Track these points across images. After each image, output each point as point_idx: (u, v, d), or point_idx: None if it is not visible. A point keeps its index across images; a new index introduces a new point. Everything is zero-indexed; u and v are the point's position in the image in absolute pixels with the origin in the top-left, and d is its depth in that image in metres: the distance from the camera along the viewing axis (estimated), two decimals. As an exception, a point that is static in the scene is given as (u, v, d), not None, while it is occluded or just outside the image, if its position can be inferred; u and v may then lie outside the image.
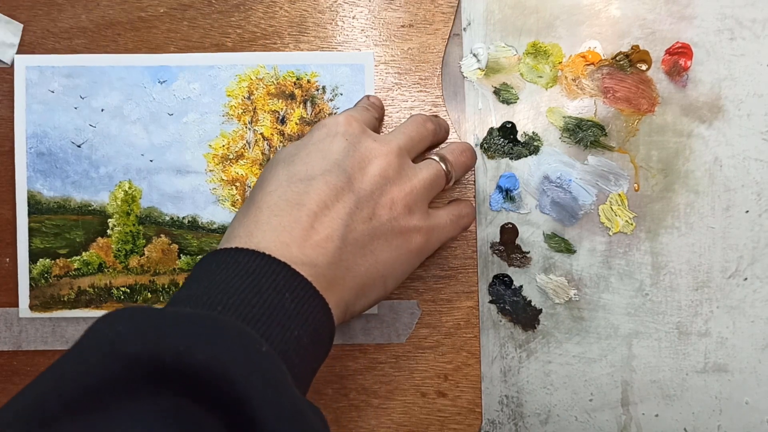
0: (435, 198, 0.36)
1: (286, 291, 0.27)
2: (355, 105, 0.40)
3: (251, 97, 0.43)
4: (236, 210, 0.43)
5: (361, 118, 0.35)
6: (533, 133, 0.44)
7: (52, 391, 0.21)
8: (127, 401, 0.21)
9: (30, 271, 0.42)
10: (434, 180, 0.35)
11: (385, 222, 0.32)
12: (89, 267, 0.42)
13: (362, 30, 0.44)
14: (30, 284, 0.42)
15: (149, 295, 0.42)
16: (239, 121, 0.43)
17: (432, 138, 0.37)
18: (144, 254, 0.42)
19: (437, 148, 0.40)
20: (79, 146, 0.42)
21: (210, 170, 0.42)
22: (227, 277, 0.27)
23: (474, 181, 0.43)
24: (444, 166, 0.35)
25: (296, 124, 0.43)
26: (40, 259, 0.42)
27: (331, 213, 0.30)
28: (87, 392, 0.21)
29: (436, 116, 0.39)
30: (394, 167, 0.33)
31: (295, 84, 0.43)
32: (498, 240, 0.43)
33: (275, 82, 0.43)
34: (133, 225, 0.42)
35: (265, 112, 0.43)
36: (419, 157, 0.37)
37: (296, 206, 0.30)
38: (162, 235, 0.42)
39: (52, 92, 0.42)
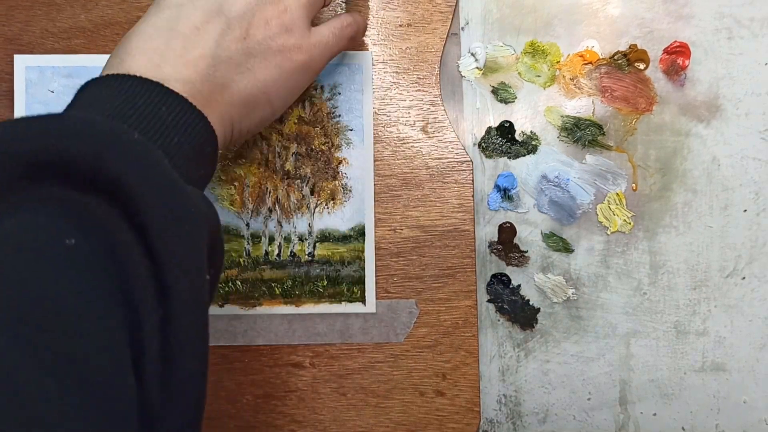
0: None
1: (161, 105, 0.28)
2: None
3: (250, 97, 0.43)
4: (236, 209, 0.43)
5: None
6: (531, 132, 0.44)
7: None
8: (8, 194, 0.22)
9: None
10: None
11: (260, 41, 0.32)
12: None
13: (360, 30, 0.44)
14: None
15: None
16: (238, 120, 0.43)
17: None
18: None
19: None
20: (78, 146, 0.43)
21: (208, 170, 0.43)
22: (99, 98, 0.27)
23: (472, 180, 0.43)
24: None
25: (294, 123, 0.43)
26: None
27: (202, 34, 0.30)
28: None
29: None
30: None
31: (293, 83, 0.43)
32: (496, 239, 0.43)
33: (273, 81, 0.43)
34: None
35: (263, 111, 0.43)
36: None
37: (167, 31, 0.30)
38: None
39: (52, 92, 0.43)
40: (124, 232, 0.23)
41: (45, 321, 0.20)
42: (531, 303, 0.43)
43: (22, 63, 0.42)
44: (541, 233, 0.43)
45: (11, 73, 0.43)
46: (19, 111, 0.42)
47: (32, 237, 0.21)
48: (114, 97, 0.27)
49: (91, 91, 0.28)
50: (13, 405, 0.18)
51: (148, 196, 0.23)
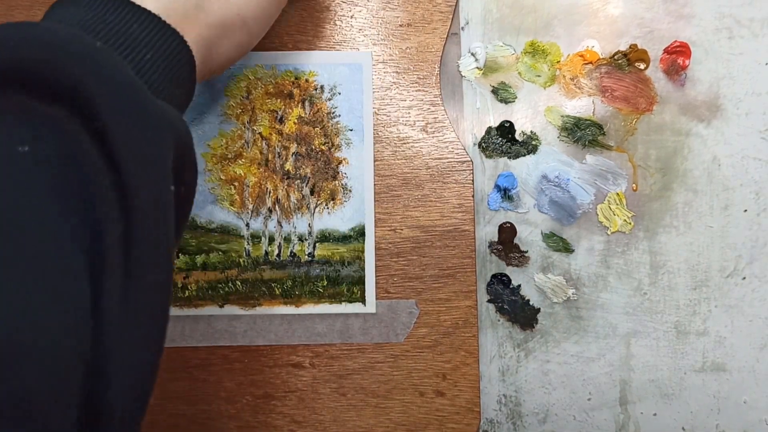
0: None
1: (133, 22, 0.27)
2: None
3: (249, 97, 0.43)
4: (236, 209, 0.43)
5: None
6: (531, 132, 0.44)
7: None
8: None
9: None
10: None
11: None
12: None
13: (360, 29, 0.44)
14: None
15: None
16: (238, 120, 0.43)
17: None
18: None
19: None
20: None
21: (208, 170, 0.43)
22: (67, 14, 0.27)
23: (472, 180, 0.43)
24: None
25: (294, 123, 0.43)
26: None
27: None
28: None
29: None
30: None
31: (293, 83, 0.43)
32: (496, 239, 0.43)
33: (273, 81, 0.43)
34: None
35: (263, 111, 0.43)
36: None
37: None
38: (160, 235, 0.42)
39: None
40: (83, 138, 0.22)
41: None
42: (531, 303, 0.43)
43: (21, 63, 0.42)
44: (542, 233, 0.43)
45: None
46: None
47: None
48: (83, 13, 0.27)
49: (59, 7, 0.28)
50: None
51: (106, 99, 0.22)
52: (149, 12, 0.28)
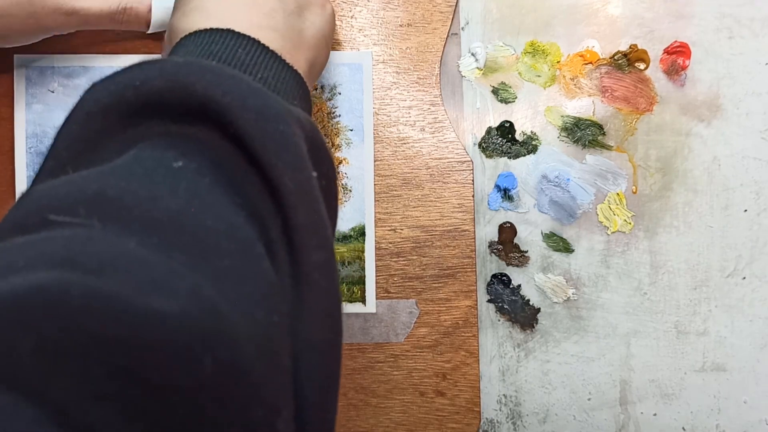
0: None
1: (239, 49, 0.29)
2: None
3: (250, 97, 0.43)
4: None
5: None
6: (531, 132, 0.44)
7: (60, 151, 0.24)
8: (111, 139, 0.24)
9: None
10: None
11: None
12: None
13: (361, 29, 0.44)
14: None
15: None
16: (238, 120, 0.43)
17: None
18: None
19: None
20: (78, 146, 0.43)
21: (209, 170, 0.43)
22: (187, 49, 0.29)
23: (472, 180, 0.43)
24: None
25: (295, 123, 0.43)
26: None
27: None
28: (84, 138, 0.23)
29: None
30: None
31: (293, 83, 0.43)
32: (496, 239, 0.43)
33: (274, 81, 0.43)
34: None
35: (263, 111, 0.43)
36: None
37: None
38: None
39: (52, 92, 0.43)
40: (225, 147, 0.24)
41: (172, 228, 0.21)
42: (531, 303, 0.43)
43: (22, 63, 0.42)
44: (542, 233, 0.43)
45: (11, 73, 0.43)
46: (19, 111, 0.42)
47: (143, 165, 0.22)
48: (199, 47, 0.29)
49: (186, 42, 0.30)
50: (147, 287, 0.18)
51: (233, 106, 0.23)
52: (261, 44, 0.30)
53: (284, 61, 0.30)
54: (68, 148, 0.23)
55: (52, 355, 0.16)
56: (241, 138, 0.23)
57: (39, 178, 0.23)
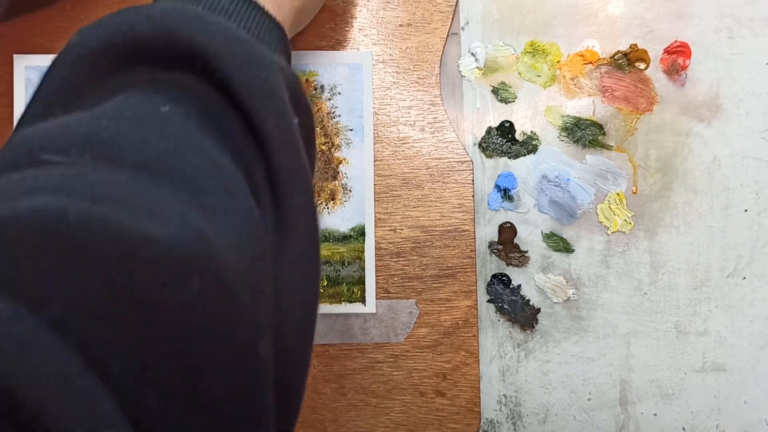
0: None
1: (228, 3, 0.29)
2: None
3: (249, 97, 0.43)
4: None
5: None
6: (531, 132, 0.44)
7: (48, 95, 0.24)
8: (100, 84, 0.24)
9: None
10: None
11: None
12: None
13: (360, 29, 0.44)
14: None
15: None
16: (238, 120, 0.43)
17: None
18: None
19: None
20: (78, 146, 0.43)
21: (208, 170, 0.43)
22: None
23: (472, 180, 0.43)
24: None
25: (294, 123, 0.43)
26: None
27: None
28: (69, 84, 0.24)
29: None
30: None
31: (293, 83, 0.43)
32: (496, 239, 0.43)
33: (273, 81, 0.43)
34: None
35: (263, 111, 0.43)
36: None
37: None
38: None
39: (52, 92, 0.43)
40: (211, 92, 0.24)
41: (162, 166, 0.21)
42: (531, 303, 0.43)
43: (22, 63, 0.42)
44: (542, 233, 0.43)
45: (11, 73, 0.42)
46: (19, 111, 0.42)
47: (132, 109, 0.23)
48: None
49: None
50: (141, 210, 0.19)
51: (219, 52, 0.24)
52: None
53: (267, 12, 0.30)
54: (56, 92, 0.24)
55: (51, 270, 0.17)
56: (227, 84, 0.24)
57: (25, 120, 0.24)
